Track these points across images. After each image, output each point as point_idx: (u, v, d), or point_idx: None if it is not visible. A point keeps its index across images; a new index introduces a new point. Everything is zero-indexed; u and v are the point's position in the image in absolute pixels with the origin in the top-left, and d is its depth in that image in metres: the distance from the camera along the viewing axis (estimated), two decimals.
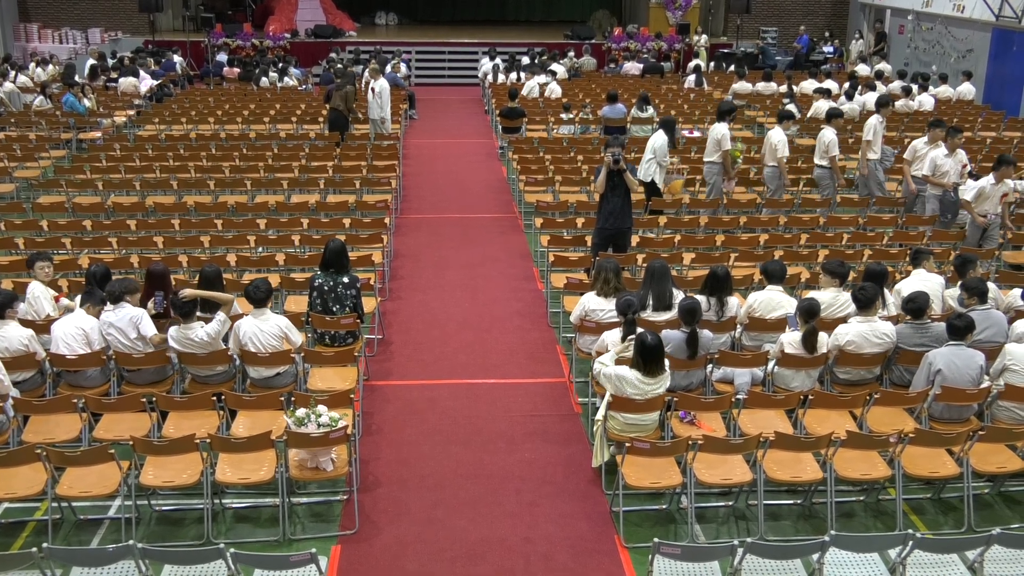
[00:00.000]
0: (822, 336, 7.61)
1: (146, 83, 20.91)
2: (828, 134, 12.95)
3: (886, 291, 8.45)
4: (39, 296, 8.35)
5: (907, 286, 8.60)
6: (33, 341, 7.51)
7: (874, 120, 13.07)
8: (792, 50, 28.42)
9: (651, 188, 12.63)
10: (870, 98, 18.74)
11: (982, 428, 6.84)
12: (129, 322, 7.55)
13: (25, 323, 7.74)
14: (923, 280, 8.70)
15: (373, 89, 17.12)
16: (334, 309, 8.30)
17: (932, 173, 11.83)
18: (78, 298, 8.18)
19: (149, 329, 7.59)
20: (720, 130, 12.89)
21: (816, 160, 13.27)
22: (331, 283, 8.31)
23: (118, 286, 7.70)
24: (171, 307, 7.68)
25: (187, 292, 7.65)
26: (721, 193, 13.18)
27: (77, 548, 6.34)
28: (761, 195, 13.37)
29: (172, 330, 7.53)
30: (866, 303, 7.67)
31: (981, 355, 7.28)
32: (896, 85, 20.88)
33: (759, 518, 6.63)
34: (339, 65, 22.41)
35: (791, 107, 17.86)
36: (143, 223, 11.64)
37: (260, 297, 7.63)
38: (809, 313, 7.59)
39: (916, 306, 7.73)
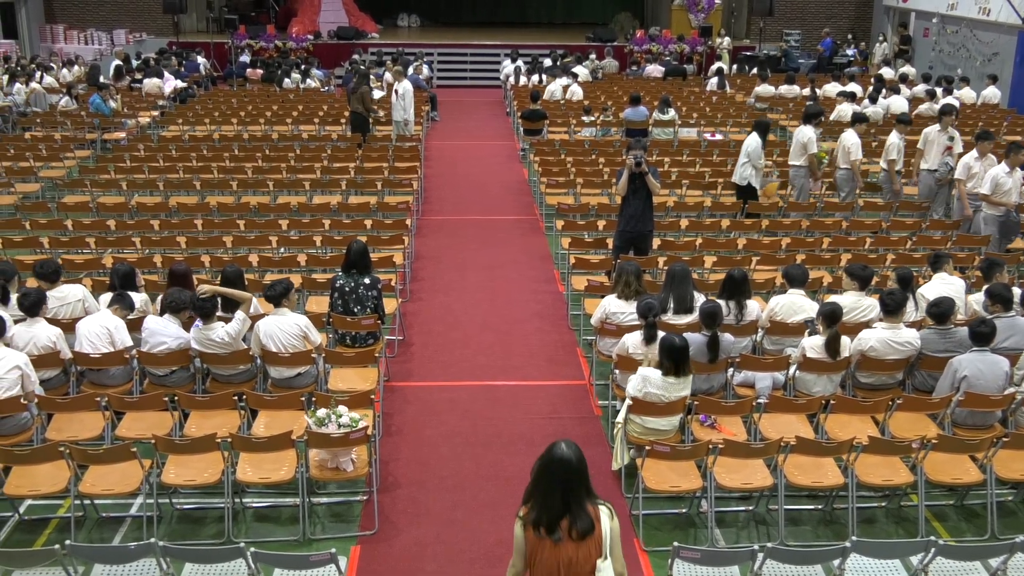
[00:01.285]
0: (844, 340, 7.57)
1: (170, 84, 21.05)
2: (892, 137, 13.01)
3: (914, 295, 8.41)
4: (89, 297, 8.43)
5: (929, 290, 8.55)
6: (60, 340, 7.57)
7: (932, 130, 12.81)
8: (815, 53, 28.28)
9: (747, 191, 12.72)
10: (895, 101, 18.64)
11: (1006, 435, 6.78)
12: (167, 342, 7.62)
13: (53, 322, 7.81)
14: (945, 284, 8.65)
15: (396, 91, 17.14)
16: (355, 310, 8.32)
17: (992, 192, 11.16)
18: (103, 297, 8.25)
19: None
20: (806, 133, 12.87)
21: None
22: (352, 284, 8.33)
23: (186, 299, 7.76)
24: (191, 307, 7.71)
25: (205, 288, 7.69)
26: (808, 195, 13.17)
27: (99, 545, 6.39)
28: (783, 199, 13.31)
29: (193, 331, 7.57)
30: (894, 309, 7.62)
31: (1006, 361, 7.22)
32: (920, 88, 20.76)
33: (779, 523, 6.60)
34: (360, 67, 22.48)
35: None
36: (166, 223, 11.71)
37: (274, 295, 7.68)
38: (831, 318, 7.55)
39: (940, 311, 7.67)
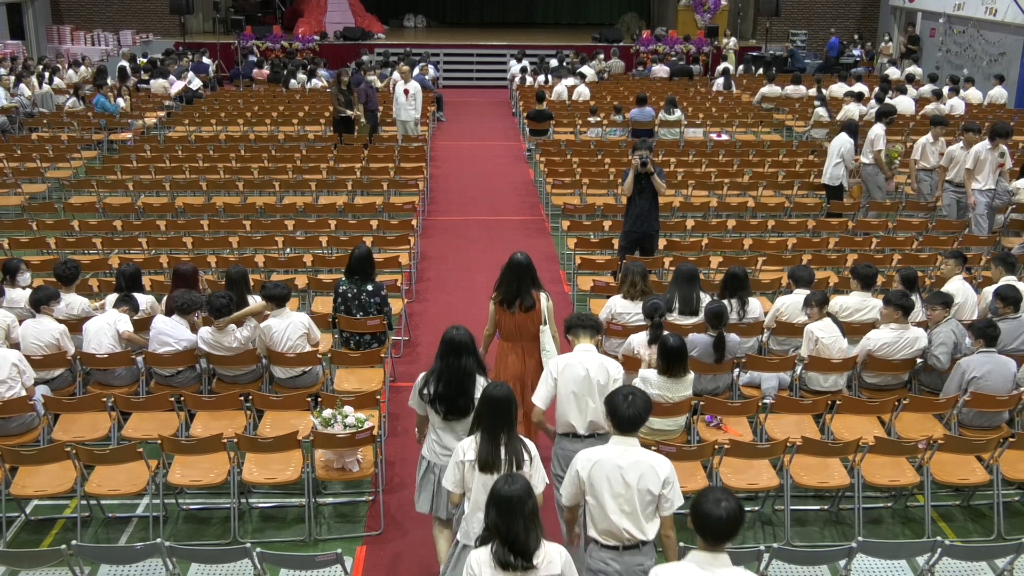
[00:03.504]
0: (845, 343, 7.62)
1: (177, 85, 21.10)
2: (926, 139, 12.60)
3: (920, 295, 8.40)
4: (87, 308, 8.44)
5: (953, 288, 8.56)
6: (64, 337, 7.59)
7: (982, 148, 11.74)
8: (822, 53, 28.23)
9: (837, 191, 12.83)
10: (901, 102, 18.61)
11: (1013, 435, 6.77)
12: (171, 344, 7.63)
13: (61, 321, 7.83)
14: (961, 285, 8.62)
15: (407, 91, 17.07)
16: (357, 315, 8.27)
17: None
18: (109, 298, 8.26)
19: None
20: (875, 131, 12.87)
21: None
22: (355, 290, 8.25)
23: (198, 300, 7.77)
24: (207, 307, 7.68)
25: (224, 321, 7.61)
26: (883, 195, 13.12)
27: (105, 546, 6.40)
28: (789, 199, 13.31)
29: (205, 333, 7.56)
30: (908, 311, 7.61)
31: (1014, 363, 7.21)
32: (927, 88, 20.73)
33: (786, 523, 6.59)
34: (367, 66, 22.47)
35: (822, 110, 17.77)
36: (172, 224, 11.74)
37: (279, 296, 7.71)
38: (823, 303, 7.75)
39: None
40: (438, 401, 5.72)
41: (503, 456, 4.97)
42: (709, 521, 4.00)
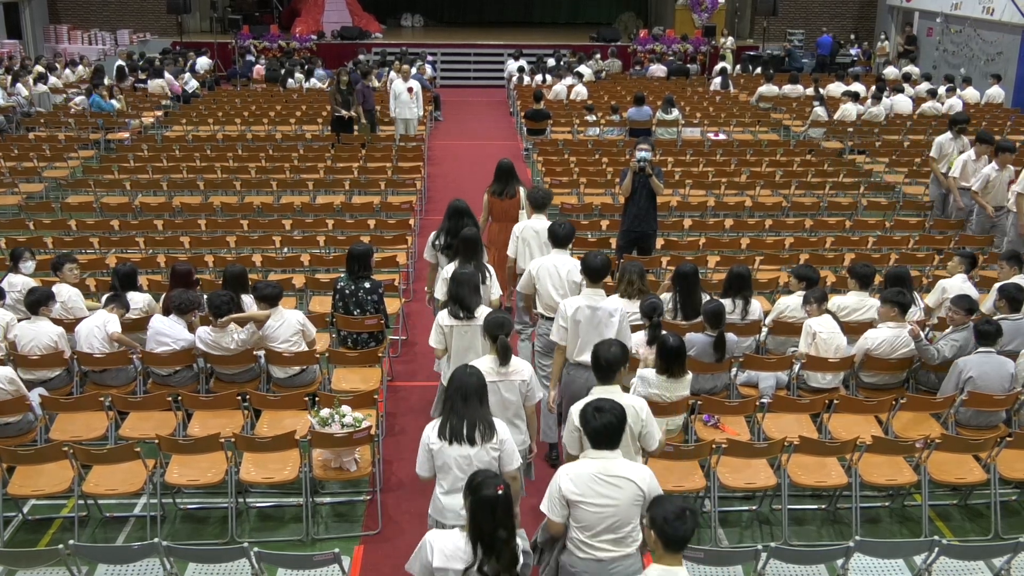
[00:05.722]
0: (844, 339, 7.59)
1: (172, 85, 21.08)
2: None
3: (915, 294, 8.40)
4: (74, 298, 8.43)
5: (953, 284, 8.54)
6: (62, 339, 7.58)
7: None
8: (815, 52, 28.25)
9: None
10: (898, 100, 18.62)
11: (1010, 434, 6.78)
12: (169, 343, 7.62)
13: (56, 321, 7.81)
14: (962, 284, 8.62)
15: (410, 89, 17.00)
16: (354, 313, 8.26)
17: None
18: (103, 299, 8.26)
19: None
20: (937, 140, 12.52)
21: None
22: (352, 287, 8.25)
23: (196, 300, 7.76)
24: (209, 308, 7.65)
25: (224, 320, 7.60)
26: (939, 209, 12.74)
27: (103, 545, 6.40)
28: (787, 198, 13.30)
29: (203, 332, 7.55)
30: (905, 308, 7.61)
31: (1011, 362, 7.20)
32: (922, 88, 20.74)
33: (783, 523, 6.59)
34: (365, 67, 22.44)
35: (820, 109, 17.77)
36: (170, 223, 11.73)
37: (272, 295, 7.67)
38: (821, 299, 7.77)
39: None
40: (448, 249, 8.24)
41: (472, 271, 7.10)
42: (590, 268, 6.75)
